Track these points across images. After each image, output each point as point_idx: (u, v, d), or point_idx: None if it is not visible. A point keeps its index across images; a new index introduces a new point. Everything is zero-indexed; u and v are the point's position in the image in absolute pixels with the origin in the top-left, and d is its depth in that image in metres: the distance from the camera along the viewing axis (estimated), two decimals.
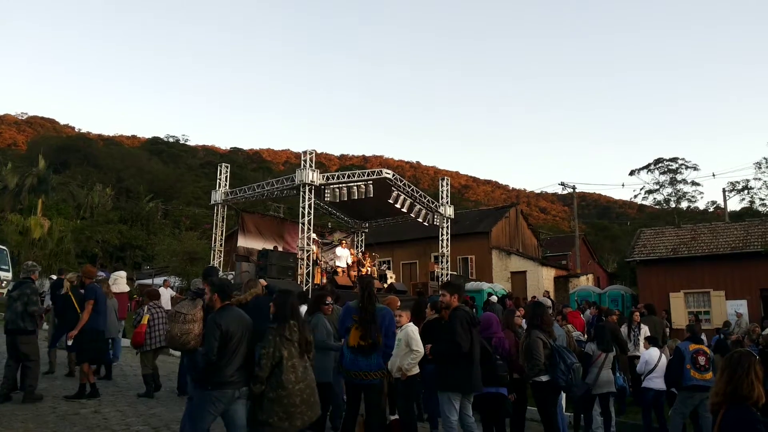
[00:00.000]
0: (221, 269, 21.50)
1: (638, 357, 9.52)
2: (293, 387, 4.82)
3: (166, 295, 13.71)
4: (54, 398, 8.23)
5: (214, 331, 4.88)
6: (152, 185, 58.31)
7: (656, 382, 8.30)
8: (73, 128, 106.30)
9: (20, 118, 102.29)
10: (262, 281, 6.79)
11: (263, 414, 4.75)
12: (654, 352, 8.58)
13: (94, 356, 8.49)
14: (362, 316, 5.91)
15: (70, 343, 8.35)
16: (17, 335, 7.86)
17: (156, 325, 8.93)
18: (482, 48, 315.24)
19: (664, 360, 8.45)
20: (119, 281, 12.61)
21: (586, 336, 10.00)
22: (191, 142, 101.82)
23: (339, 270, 19.28)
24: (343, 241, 21.63)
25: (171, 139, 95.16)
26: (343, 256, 20.00)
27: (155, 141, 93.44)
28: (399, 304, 7.29)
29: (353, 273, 19.70)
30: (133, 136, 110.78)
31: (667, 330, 12.98)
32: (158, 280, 22.92)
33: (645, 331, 10.58)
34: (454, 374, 5.80)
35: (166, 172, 69.33)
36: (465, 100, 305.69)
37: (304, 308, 9.36)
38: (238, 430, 4.96)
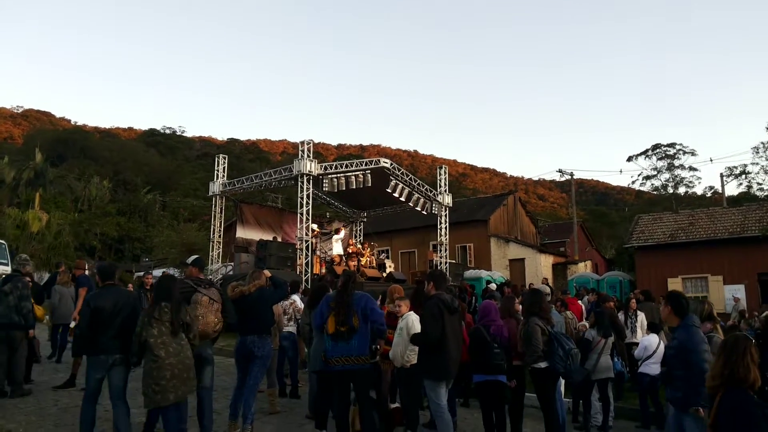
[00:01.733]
0: (220, 260, 21.56)
1: (635, 343, 9.56)
2: (162, 362, 5.24)
3: None
4: (56, 391, 8.27)
5: (85, 308, 5.72)
6: (150, 177, 58.17)
7: (653, 368, 8.35)
8: (69, 121, 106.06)
9: (16, 111, 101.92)
10: (266, 272, 6.81)
11: (141, 386, 5.32)
12: (653, 338, 8.62)
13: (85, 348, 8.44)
14: (338, 303, 5.94)
15: (73, 324, 8.42)
16: (11, 330, 7.83)
17: None
18: (478, 36, 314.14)
19: (662, 346, 8.50)
20: None
21: (585, 322, 10.03)
22: (188, 134, 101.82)
23: (335, 257, 19.29)
24: (341, 228, 21.65)
25: (168, 131, 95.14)
26: (340, 239, 20.03)
27: (152, 133, 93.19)
28: (402, 292, 7.31)
29: (351, 263, 19.71)
30: (130, 128, 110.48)
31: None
32: (157, 272, 22.94)
33: (642, 317, 10.60)
34: (427, 361, 5.89)
35: (163, 163, 69.15)
36: (462, 88, 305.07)
37: (295, 297, 9.46)
38: (113, 390, 5.68)
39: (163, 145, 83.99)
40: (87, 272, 8.97)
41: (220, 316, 6.06)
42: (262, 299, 6.56)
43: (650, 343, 8.55)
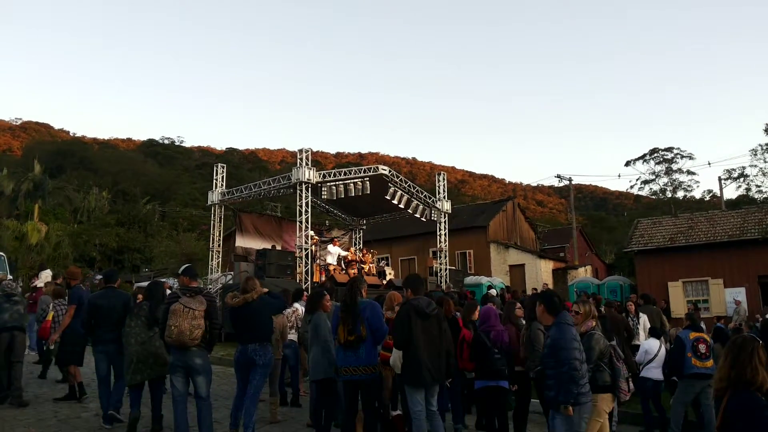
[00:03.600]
0: (219, 270, 21.51)
1: (638, 346, 9.53)
2: (131, 348, 6.55)
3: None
4: (57, 403, 8.22)
5: (86, 306, 7.41)
6: (149, 187, 58.16)
7: (654, 372, 8.33)
8: (67, 132, 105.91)
9: (14, 123, 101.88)
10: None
11: None
12: (654, 342, 8.60)
13: (74, 359, 8.41)
14: (345, 312, 5.97)
15: (52, 347, 8.81)
16: (18, 332, 8.09)
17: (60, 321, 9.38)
18: (475, 42, 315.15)
19: (663, 350, 8.48)
20: (42, 276, 14.65)
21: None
22: (186, 144, 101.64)
23: (330, 267, 19.25)
24: (335, 239, 21.62)
25: (166, 141, 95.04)
26: (334, 253, 19.99)
27: (150, 143, 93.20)
28: (401, 299, 7.29)
29: (352, 271, 19.68)
30: (129, 139, 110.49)
31: (665, 318, 13.00)
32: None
33: (645, 320, 10.59)
34: (402, 367, 5.83)
35: (162, 174, 69.20)
36: (460, 95, 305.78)
37: (297, 305, 9.43)
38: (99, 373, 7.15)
39: (161, 155, 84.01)
40: (84, 284, 8.86)
41: (198, 323, 5.91)
42: (264, 307, 6.55)
43: (650, 347, 8.53)
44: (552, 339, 5.00)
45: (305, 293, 10.87)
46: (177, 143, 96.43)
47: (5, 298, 8.18)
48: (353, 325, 5.86)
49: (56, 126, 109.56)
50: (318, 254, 19.79)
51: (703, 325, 9.58)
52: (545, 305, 5.19)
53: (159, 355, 6.59)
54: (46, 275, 14.95)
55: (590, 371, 5.12)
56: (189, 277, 6.48)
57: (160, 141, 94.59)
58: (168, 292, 9.84)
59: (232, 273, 20.54)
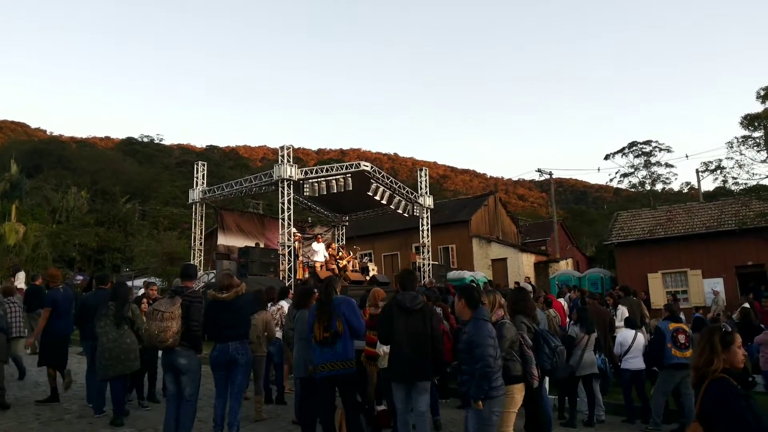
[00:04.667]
0: (201, 268, 21.36)
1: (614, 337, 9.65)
2: (104, 346, 7.17)
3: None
4: (37, 405, 8.14)
5: (78, 303, 8.43)
6: (128, 186, 57.51)
7: (632, 362, 8.43)
8: (44, 131, 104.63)
9: None
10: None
11: None
12: (627, 333, 8.69)
13: (57, 360, 8.39)
14: (320, 309, 6.00)
15: (28, 351, 8.67)
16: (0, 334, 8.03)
17: (13, 319, 9.60)
18: (456, 38, 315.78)
19: (639, 339, 8.58)
20: (20, 278, 14.72)
21: (568, 319, 10.11)
22: (166, 141, 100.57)
23: (316, 265, 19.23)
24: (318, 236, 21.59)
25: (145, 139, 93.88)
26: (320, 251, 19.95)
27: (129, 141, 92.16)
28: (384, 295, 7.31)
29: (332, 266, 19.67)
30: (107, 138, 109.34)
31: (645, 309, 13.19)
32: (138, 282, 22.68)
33: (623, 311, 10.71)
34: (389, 363, 5.83)
35: (141, 172, 68.42)
36: (440, 90, 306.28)
37: (283, 303, 9.41)
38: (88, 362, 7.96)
39: (140, 153, 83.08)
40: (62, 286, 8.72)
41: (166, 325, 5.84)
42: (246, 304, 6.59)
43: (625, 338, 8.64)
44: (468, 335, 5.00)
45: (290, 291, 10.85)
46: (156, 141, 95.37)
47: None
48: (329, 322, 5.87)
49: (33, 125, 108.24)
50: (301, 251, 19.74)
51: (682, 316, 9.72)
52: (465, 300, 5.16)
53: (129, 352, 7.25)
54: (22, 277, 14.91)
55: (502, 360, 5.08)
56: (182, 278, 6.52)
57: (139, 139, 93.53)
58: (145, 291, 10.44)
59: (214, 271, 20.42)
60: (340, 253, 21.23)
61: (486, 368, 4.76)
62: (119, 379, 7.23)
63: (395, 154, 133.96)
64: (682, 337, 7.68)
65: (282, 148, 18.80)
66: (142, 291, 16.88)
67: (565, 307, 12.61)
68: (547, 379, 7.30)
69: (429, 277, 21.65)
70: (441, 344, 6.30)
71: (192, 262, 20.86)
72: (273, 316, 8.86)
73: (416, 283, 6.67)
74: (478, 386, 4.79)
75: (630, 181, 43.10)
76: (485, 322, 4.98)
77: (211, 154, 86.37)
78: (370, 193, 20.30)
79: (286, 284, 16.08)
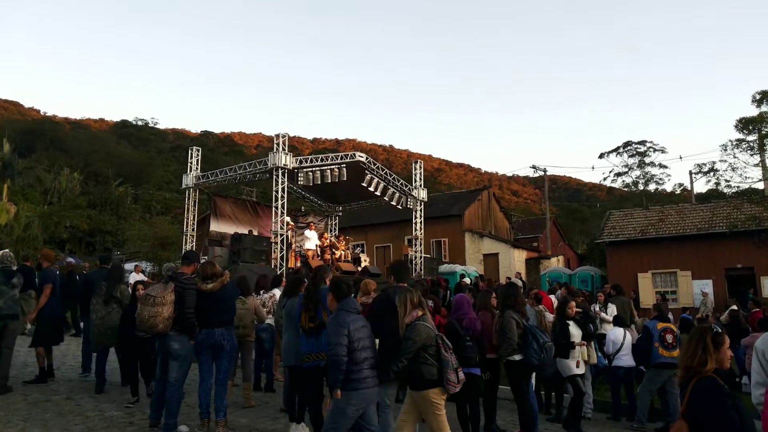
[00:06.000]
0: None
1: (604, 335, 9.71)
2: (95, 322, 8.06)
3: (135, 279, 14.11)
4: (24, 386, 8.13)
5: (81, 281, 9.48)
6: (121, 169, 57.12)
7: (624, 359, 8.52)
8: (38, 111, 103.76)
9: None
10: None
11: None
12: (618, 332, 8.78)
13: (50, 340, 8.53)
14: (307, 299, 6.00)
15: (29, 326, 8.70)
16: (9, 320, 7.76)
17: None
18: (455, 32, 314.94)
19: (629, 338, 8.66)
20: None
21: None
22: (161, 125, 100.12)
23: (308, 253, 19.21)
24: (312, 224, 21.56)
25: (140, 122, 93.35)
26: (312, 239, 19.94)
27: (124, 124, 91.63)
28: (375, 286, 7.33)
29: (327, 256, 19.68)
30: (101, 120, 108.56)
31: (635, 309, 13.28)
32: (129, 266, 22.62)
33: (612, 310, 10.78)
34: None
35: (135, 155, 67.92)
36: (438, 84, 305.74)
37: (275, 291, 9.41)
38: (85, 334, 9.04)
39: (135, 137, 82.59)
40: (55, 265, 8.90)
41: (157, 311, 5.88)
42: (232, 291, 6.74)
43: (616, 337, 8.72)
44: (327, 325, 5.17)
45: (283, 279, 10.85)
46: (151, 125, 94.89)
47: (5, 280, 7.79)
48: (314, 312, 5.88)
49: (26, 104, 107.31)
50: (294, 240, 19.72)
51: (670, 316, 9.79)
52: (333, 293, 5.23)
53: (115, 329, 7.90)
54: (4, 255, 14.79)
55: (414, 363, 5.06)
56: (182, 264, 6.56)
57: (134, 122, 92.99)
58: (137, 275, 10.71)
59: (206, 257, 20.37)
60: (336, 241, 21.23)
61: (333, 357, 4.80)
62: (104, 352, 8.09)
63: (390, 145, 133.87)
64: (669, 337, 7.75)
65: (277, 136, 18.74)
66: (132, 275, 16.87)
67: (555, 303, 12.65)
68: (533, 374, 7.35)
69: (419, 271, 21.68)
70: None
71: (190, 249, 20.86)
72: (265, 304, 8.88)
73: (409, 274, 6.69)
74: (331, 375, 4.85)
75: (623, 181, 43.25)
76: (345, 313, 4.98)
77: (205, 139, 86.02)
78: (364, 184, 20.27)
79: (278, 273, 16.10)
